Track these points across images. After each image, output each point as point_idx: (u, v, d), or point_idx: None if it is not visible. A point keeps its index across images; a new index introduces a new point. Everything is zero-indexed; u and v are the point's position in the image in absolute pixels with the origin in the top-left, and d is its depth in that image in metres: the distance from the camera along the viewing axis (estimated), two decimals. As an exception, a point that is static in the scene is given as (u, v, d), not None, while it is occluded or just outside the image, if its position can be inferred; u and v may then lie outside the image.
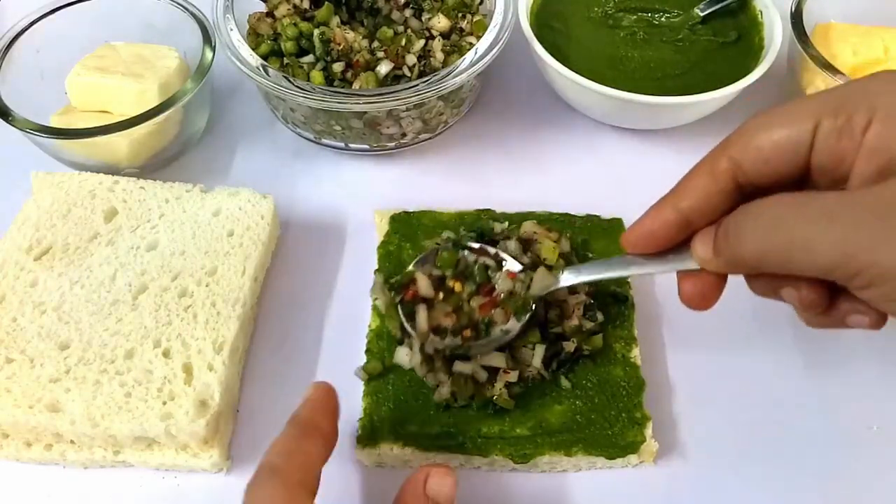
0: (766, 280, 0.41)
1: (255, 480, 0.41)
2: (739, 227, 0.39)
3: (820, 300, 0.39)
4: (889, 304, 0.36)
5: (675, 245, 0.44)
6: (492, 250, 0.55)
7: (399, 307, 0.54)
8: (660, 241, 0.44)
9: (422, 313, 0.53)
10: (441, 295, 0.54)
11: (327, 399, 0.47)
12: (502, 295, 0.53)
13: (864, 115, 0.37)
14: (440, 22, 0.69)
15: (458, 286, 0.54)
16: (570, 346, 0.54)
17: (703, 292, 0.44)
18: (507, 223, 0.61)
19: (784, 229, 0.36)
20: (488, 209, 0.63)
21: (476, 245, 0.56)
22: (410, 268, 0.56)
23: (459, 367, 0.52)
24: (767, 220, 0.37)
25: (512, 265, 0.54)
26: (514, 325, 0.52)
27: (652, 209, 0.44)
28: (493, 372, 0.53)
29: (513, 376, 0.52)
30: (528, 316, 0.52)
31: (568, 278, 0.52)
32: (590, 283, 0.54)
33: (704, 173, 0.41)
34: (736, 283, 0.62)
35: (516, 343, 0.54)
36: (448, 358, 0.53)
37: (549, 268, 0.53)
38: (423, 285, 0.54)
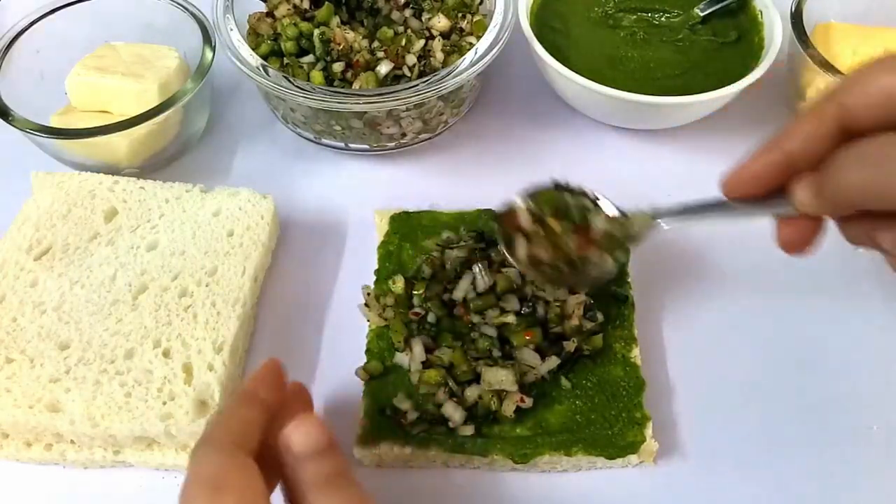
0: (862, 224, 0.41)
1: (192, 454, 0.43)
2: (846, 163, 0.39)
3: None
4: None
5: (773, 191, 0.44)
6: (591, 193, 0.55)
7: (498, 235, 0.55)
8: (762, 183, 0.44)
9: (521, 243, 0.54)
10: (541, 231, 0.55)
11: (271, 372, 0.47)
12: (599, 236, 0.54)
13: None
14: (440, 22, 0.69)
15: (556, 225, 0.55)
16: (570, 345, 0.54)
17: (803, 237, 0.44)
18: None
19: (891, 163, 0.37)
20: (488, 209, 0.63)
21: (575, 187, 0.56)
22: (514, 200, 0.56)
23: (470, 391, 0.52)
24: (874, 154, 0.38)
25: (609, 209, 0.54)
26: (610, 265, 0.53)
27: (756, 153, 0.44)
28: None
29: (528, 403, 0.52)
30: (625, 258, 0.53)
31: (667, 220, 0.52)
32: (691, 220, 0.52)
33: (812, 118, 0.42)
34: (737, 285, 0.63)
35: (517, 344, 0.54)
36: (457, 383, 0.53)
37: (645, 211, 0.53)
38: (524, 218, 0.55)
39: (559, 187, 0.56)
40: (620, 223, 0.53)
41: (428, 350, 0.54)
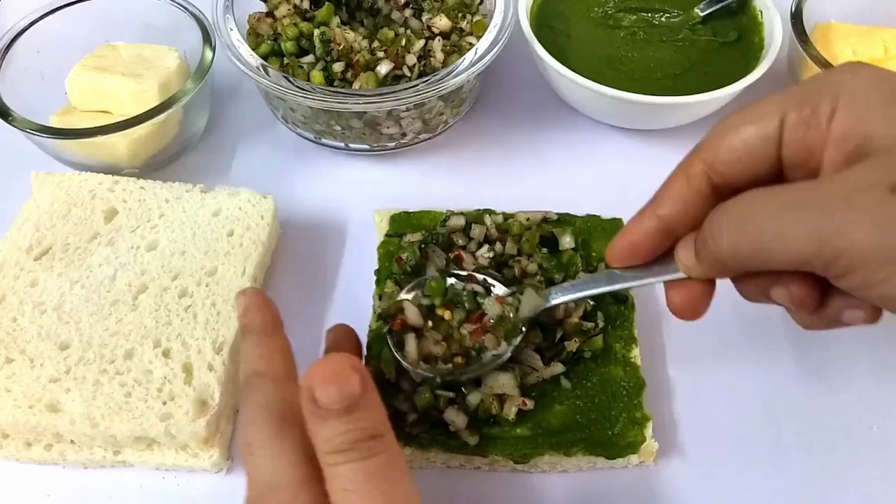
0: (754, 281, 0.41)
1: (245, 389, 0.41)
2: (714, 227, 0.39)
3: (810, 297, 0.39)
4: (871, 290, 0.35)
5: (659, 256, 0.44)
6: (480, 276, 0.55)
7: (388, 337, 0.53)
8: (643, 251, 0.44)
9: (411, 342, 0.52)
10: (430, 323, 0.54)
11: (262, 300, 0.46)
12: (492, 320, 0.53)
13: (828, 105, 0.37)
14: (441, 21, 0.69)
15: (447, 314, 0.54)
16: (571, 345, 0.54)
17: (691, 302, 0.43)
18: (501, 216, 0.61)
19: (755, 222, 0.36)
20: (488, 209, 0.63)
21: (463, 273, 0.55)
22: (400, 296, 0.55)
23: (472, 397, 0.52)
24: (739, 216, 0.37)
25: (500, 290, 0.54)
26: (504, 349, 0.52)
27: (632, 221, 0.44)
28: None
29: (530, 406, 0.52)
30: (518, 339, 0.52)
31: (556, 297, 0.51)
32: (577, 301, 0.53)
33: (679, 179, 0.41)
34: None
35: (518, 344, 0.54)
36: (448, 386, 0.52)
37: (536, 289, 0.52)
38: (412, 314, 0.53)
39: (446, 275, 0.55)
40: (511, 303, 0.53)
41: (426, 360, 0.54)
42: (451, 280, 0.55)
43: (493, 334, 0.52)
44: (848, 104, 0.37)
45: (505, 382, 0.52)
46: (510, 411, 0.52)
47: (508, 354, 0.52)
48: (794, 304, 0.40)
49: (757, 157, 0.39)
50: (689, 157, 0.41)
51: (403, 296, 0.55)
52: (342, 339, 0.51)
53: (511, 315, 0.53)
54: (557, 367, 0.54)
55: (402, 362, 0.52)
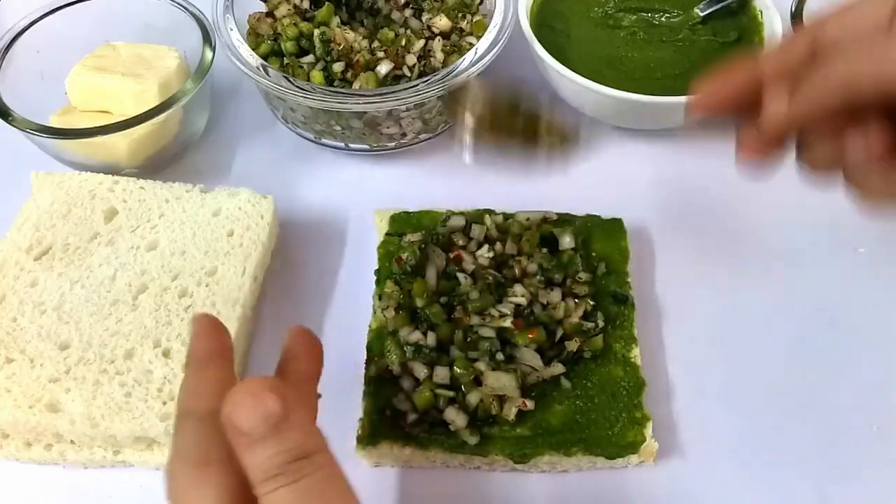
0: (829, 141, 0.41)
1: (174, 430, 0.39)
2: (830, 57, 0.39)
3: (886, 142, 0.39)
4: None
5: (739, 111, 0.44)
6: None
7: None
8: (732, 100, 0.43)
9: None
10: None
11: (211, 325, 0.44)
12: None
13: None
14: (441, 21, 0.69)
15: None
16: (572, 345, 0.54)
17: (762, 145, 0.43)
18: (501, 216, 0.62)
19: (879, 47, 0.37)
20: (488, 209, 0.63)
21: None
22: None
23: (472, 396, 0.52)
24: (859, 46, 0.38)
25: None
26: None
27: (725, 71, 0.44)
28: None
29: (530, 406, 0.52)
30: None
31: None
32: None
33: (784, 44, 0.43)
34: (737, 285, 0.63)
35: (520, 343, 0.54)
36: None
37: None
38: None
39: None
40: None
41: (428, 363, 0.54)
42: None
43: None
44: None
45: (506, 383, 0.52)
46: (510, 412, 0.52)
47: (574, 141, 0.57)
48: (873, 154, 0.40)
49: (860, 25, 0.40)
50: (801, 33, 0.42)
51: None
52: (299, 343, 0.46)
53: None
54: (557, 368, 0.54)
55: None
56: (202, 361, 0.41)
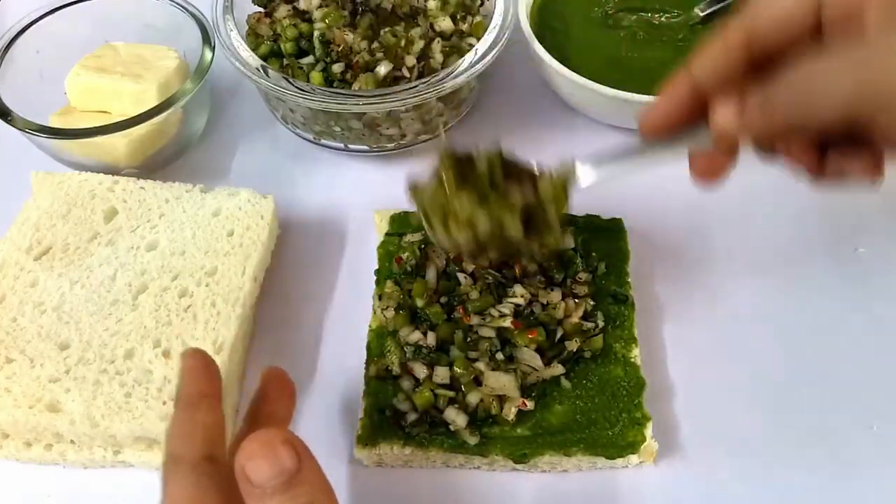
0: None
1: (164, 476, 0.40)
2: (773, 91, 0.39)
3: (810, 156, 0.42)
4: None
5: (687, 124, 0.44)
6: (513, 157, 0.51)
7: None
8: (676, 118, 0.44)
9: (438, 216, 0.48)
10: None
11: (201, 363, 0.44)
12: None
13: None
14: (444, 22, 0.69)
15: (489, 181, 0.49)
16: (572, 345, 0.54)
17: (714, 167, 0.45)
18: None
19: (813, 77, 0.38)
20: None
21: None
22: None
23: (472, 396, 0.52)
24: (797, 76, 0.38)
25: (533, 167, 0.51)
26: (562, 235, 0.52)
27: (663, 91, 0.44)
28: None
29: (529, 406, 0.52)
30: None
31: (587, 175, 0.49)
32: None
33: (717, 46, 0.42)
34: (737, 285, 0.63)
35: (520, 343, 0.54)
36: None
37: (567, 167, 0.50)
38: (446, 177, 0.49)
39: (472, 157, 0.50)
40: (549, 181, 0.49)
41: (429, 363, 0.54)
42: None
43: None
44: None
45: (506, 384, 0.52)
46: (510, 412, 0.52)
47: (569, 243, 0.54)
48: (798, 162, 0.42)
49: (797, 23, 0.40)
50: (729, 26, 0.42)
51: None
52: (273, 385, 0.47)
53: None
54: (557, 368, 0.54)
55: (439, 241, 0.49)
56: (192, 403, 0.41)
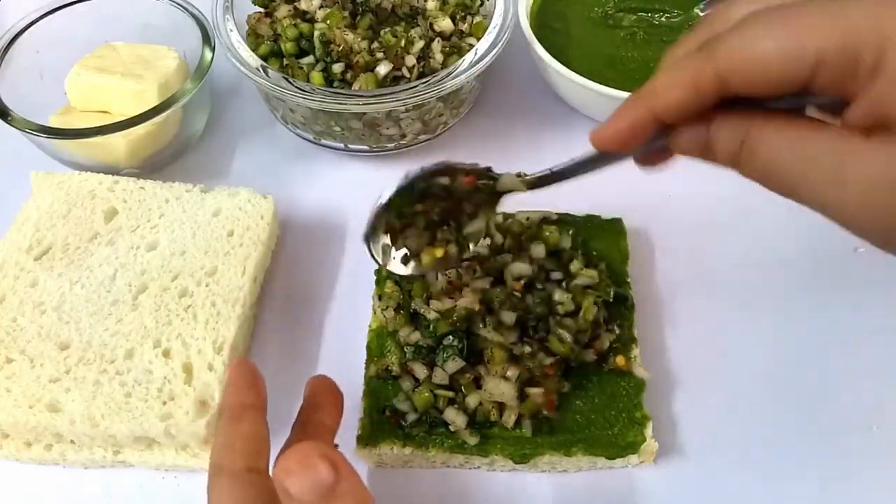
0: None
1: (208, 486, 0.40)
2: (757, 145, 0.37)
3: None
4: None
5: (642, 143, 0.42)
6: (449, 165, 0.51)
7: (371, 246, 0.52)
8: (631, 140, 0.42)
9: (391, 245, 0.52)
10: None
11: (246, 375, 0.45)
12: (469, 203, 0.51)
13: (870, 56, 0.33)
14: (444, 21, 0.69)
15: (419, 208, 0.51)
16: (590, 355, 0.54)
17: (659, 157, 0.44)
18: (500, 216, 0.61)
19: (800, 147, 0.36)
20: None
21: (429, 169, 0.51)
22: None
23: (472, 398, 0.52)
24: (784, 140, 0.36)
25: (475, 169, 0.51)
26: (481, 223, 0.51)
27: (623, 109, 0.42)
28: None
29: (524, 413, 0.52)
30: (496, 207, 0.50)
31: (533, 180, 0.50)
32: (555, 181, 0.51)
33: (685, 84, 0.38)
34: (737, 285, 0.63)
35: (523, 356, 0.53)
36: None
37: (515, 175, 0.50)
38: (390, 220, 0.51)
39: (412, 180, 0.50)
40: (486, 184, 0.50)
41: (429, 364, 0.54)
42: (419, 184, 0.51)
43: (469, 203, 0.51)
44: (892, 72, 0.33)
45: (504, 392, 0.52)
46: (509, 419, 0.52)
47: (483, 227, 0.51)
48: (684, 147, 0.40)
49: (781, 83, 0.35)
50: (701, 61, 0.37)
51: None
52: (321, 394, 0.47)
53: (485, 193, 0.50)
54: (562, 385, 0.53)
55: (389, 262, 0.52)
56: (236, 415, 0.42)
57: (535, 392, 0.52)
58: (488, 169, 0.50)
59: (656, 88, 0.39)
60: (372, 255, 0.51)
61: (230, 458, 0.40)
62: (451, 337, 0.53)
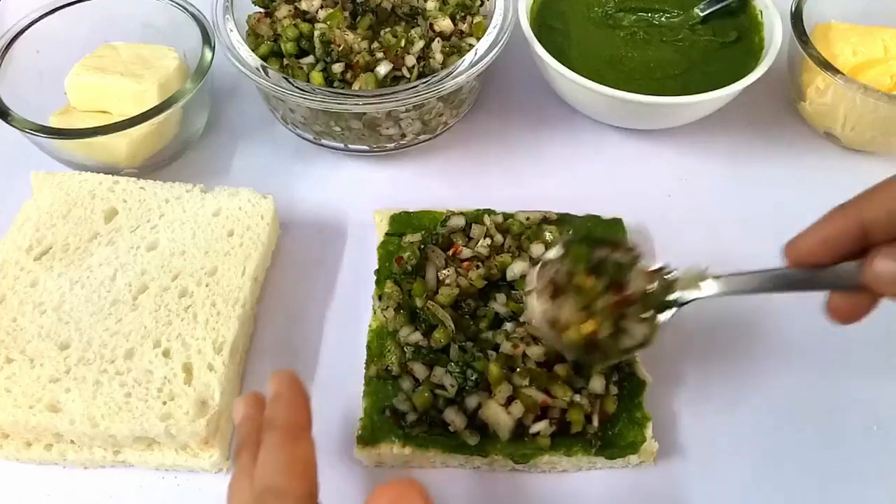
0: None
1: None
2: None
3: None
4: None
5: (839, 260, 0.41)
6: (632, 245, 0.50)
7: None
8: (832, 251, 0.41)
9: (540, 297, 0.48)
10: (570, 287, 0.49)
11: (296, 389, 0.44)
12: (637, 296, 0.47)
13: None
14: (443, 21, 0.69)
15: (588, 281, 0.48)
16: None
17: (855, 310, 0.42)
18: (500, 216, 0.61)
19: None
20: (488, 209, 0.63)
21: (613, 241, 0.50)
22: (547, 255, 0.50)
23: (471, 399, 0.52)
24: None
25: (651, 263, 0.48)
26: (645, 336, 0.48)
27: (827, 217, 0.41)
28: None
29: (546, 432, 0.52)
30: (667, 317, 0.47)
31: (711, 289, 0.46)
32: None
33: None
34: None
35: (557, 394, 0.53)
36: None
37: (694, 274, 0.47)
38: (553, 271, 0.48)
39: (593, 242, 0.50)
40: (663, 280, 0.47)
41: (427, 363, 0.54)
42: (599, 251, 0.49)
43: (635, 313, 0.47)
44: None
45: (501, 422, 0.51)
46: (505, 433, 0.52)
47: (649, 342, 0.48)
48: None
49: None
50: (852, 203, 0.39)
51: (550, 255, 0.49)
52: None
53: (658, 295, 0.47)
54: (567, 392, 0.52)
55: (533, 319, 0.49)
56: (294, 436, 0.41)
57: (539, 426, 0.52)
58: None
59: (864, 197, 0.40)
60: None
61: (295, 482, 0.39)
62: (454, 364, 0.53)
